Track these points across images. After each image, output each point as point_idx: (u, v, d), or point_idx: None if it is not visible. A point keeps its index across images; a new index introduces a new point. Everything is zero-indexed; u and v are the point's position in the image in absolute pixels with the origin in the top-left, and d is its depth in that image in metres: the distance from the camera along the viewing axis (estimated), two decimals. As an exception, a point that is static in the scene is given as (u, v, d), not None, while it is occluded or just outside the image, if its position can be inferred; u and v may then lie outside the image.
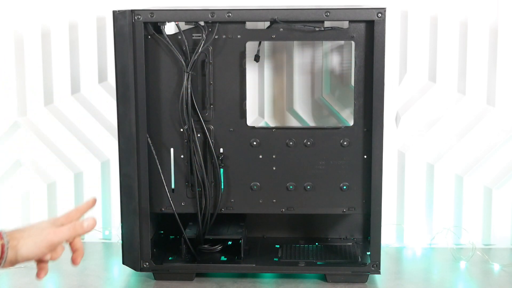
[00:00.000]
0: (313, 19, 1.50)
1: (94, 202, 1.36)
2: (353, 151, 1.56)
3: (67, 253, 1.81)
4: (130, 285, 1.60)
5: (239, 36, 1.53)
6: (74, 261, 1.30)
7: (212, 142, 1.56)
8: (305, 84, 1.84)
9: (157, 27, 1.53)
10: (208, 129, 1.56)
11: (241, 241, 1.62)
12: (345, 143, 1.55)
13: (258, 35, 1.56)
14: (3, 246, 1.19)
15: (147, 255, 1.58)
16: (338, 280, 1.58)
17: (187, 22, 1.53)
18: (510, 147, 1.83)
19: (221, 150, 1.57)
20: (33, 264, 1.71)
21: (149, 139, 1.55)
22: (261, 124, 1.85)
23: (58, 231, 1.26)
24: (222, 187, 1.58)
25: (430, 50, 1.82)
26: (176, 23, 1.53)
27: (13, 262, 1.22)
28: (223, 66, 1.54)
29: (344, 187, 1.57)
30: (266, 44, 1.82)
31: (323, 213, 1.64)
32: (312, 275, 1.61)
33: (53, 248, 1.27)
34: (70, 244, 1.31)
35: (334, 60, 1.82)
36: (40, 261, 1.27)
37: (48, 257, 1.28)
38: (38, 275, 1.27)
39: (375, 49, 1.49)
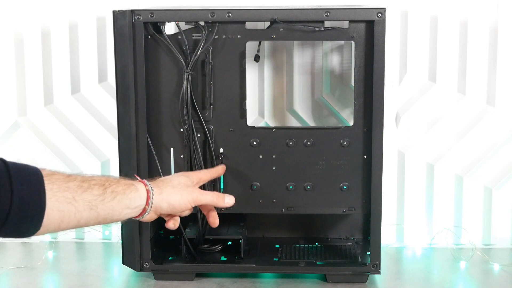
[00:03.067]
0: (313, 19, 1.50)
1: (223, 169, 1.53)
2: (353, 151, 1.56)
3: (65, 251, 1.81)
4: (130, 285, 1.60)
5: (239, 36, 1.53)
6: (212, 224, 1.44)
7: (212, 142, 1.56)
8: (305, 84, 1.84)
9: (157, 27, 1.53)
10: (208, 129, 1.56)
11: (241, 241, 1.62)
12: (345, 143, 1.56)
13: (258, 35, 1.56)
14: (148, 191, 1.27)
15: (147, 255, 1.58)
16: (338, 280, 1.58)
17: (187, 22, 1.53)
18: (510, 147, 1.83)
19: (221, 150, 1.57)
20: (33, 264, 1.73)
21: (149, 139, 1.55)
22: (261, 124, 1.85)
23: (204, 193, 1.38)
24: (222, 187, 1.58)
25: (430, 50, 1.82)
26: (176, 23, 1.53)
27: (157, 211, 1.31)
28: (223, 66, 1.54)
29: (344, 187, 1.57)
30: (266, 44, 1.82)
31: (323, 213, 1.64)
32: (312, 275, 1.61)
33: (195, 205, 1.37)
34: (202, 207, 1.44)
35: (334, 60, 1.82)
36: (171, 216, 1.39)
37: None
38: (168, 225, 1.39)
39: (375, 49, 1.49)
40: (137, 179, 1.30)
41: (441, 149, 1.84)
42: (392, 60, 1.81)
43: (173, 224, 1.39)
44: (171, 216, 1.39)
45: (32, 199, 1.07)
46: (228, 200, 1.43)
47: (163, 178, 1.39)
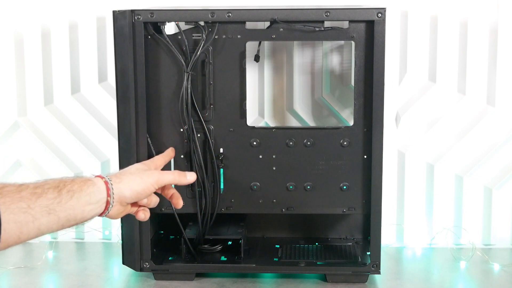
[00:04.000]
0: (313, 19, 1.50)
1: (173, 151, 1.53)
2: (353, 151, 1.56)
3: (65, 251, 1.81)
4: (130, 285, 1.60)
5: (239, 36, 1.53)
6: (176, 205, 1.39)
7: (212, 142, 1.56)
8: (305, 84, 1.84)
9: (157, 27, 1.53)
10: (208, 129, 1.56)
11: (241, 241, 1.62)
12: (345, 143, 1.56)
13: (258, 35, 1.56)
14: (106, 183, 1.21)
15: (147, 255, 1.58)
16: (338, 280, 1.58)
17: (187, 22, 1.53)
18: (510, 147, 1.83)
19: (221, 150, 1.57)
20: (33, 264, 1.73)
21: (149, 139, 1.55)
22: (261, 124, 1.85)
23: (164, 173, 1.35)
24: (222, 187, 1.58)
25: (430, 50, 1.82)
26: (176, 23, 1.53)
27: (122, 201, 1.25)
28: (223, 66, 1.54)
29: (344, 187, 1.57)
30: (266, 44, 1.82)
31: (323, 213, 1.64)
32: (312, 275, 1.61)
33: (158, 186, 1.32)
34: (164, 192, 1.40)
35: (334, 60, 1.82)
36: (136, 205, 1.32)
37: (145, 201, 1.32)
38: (138, 216, 1.33)
39: (375, 49, 1.49)
40: (95, 174, 1.25)
41: (441, 149, 1.84)
42: (392, 60, 1.81)
43: (143, 214, 1.33)
44: (138, 205, 1.32)
45: None
46: (189, 177, 1.38)
47: (120, 171, 1.33)
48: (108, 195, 1.20)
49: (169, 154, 1.52)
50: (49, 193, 1.11)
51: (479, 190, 1.85)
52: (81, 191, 1.15)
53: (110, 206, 1.21)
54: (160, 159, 1.47)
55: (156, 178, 1.31)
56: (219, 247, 1.66)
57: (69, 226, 1.15)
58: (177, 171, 1.38)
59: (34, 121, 1.89)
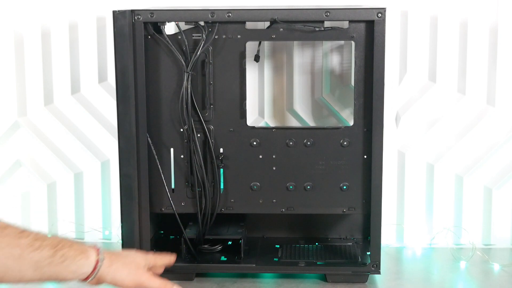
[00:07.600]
0: (313, 19, 1.50)
1: (173, 259, 1.46)
2: (353, 151, 1.56)
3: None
4: (130, 285, 1.59)
5: (239, 36, 1.53)
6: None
7: (212, 142, 1.56)
8: (305, 84, 1.84)
9: (157, 27, 1.53)
10: (208, 129, 1.56)
11: (241, 241, 1.62)
12: (345, 143, 1.56)
13: (258, 35, 1.56)
14: (97, 262, 1.26)
15: (147, 255, 1.58)
16: (338, 280, 1.58)
17: (187, 22, 1.53)
18: (510, 147, 1.83)
19: (221, 150, 1.57)
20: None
21: (149, 139, 1.55)
22: (261, 124, 1.85)
23: (152, 280, 1.35)
24: (222, 187, 1.58)
25: (430, 50, 1.82)
26: (176, 23, 1.53)
27: (100, 281, 1.29)
28: (223, 66, 1.54)
29: (344, 187, 1.57)
30: (266, 44, 1.82)
31: (323, 213, 1.64)
32: (312, 275, 1.61)
33: (138, 287, 1.34)
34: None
35: (334, 60, 1.82)
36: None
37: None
38: None
39: (375, 49, 1.49)
40: (95, 246, 1.28)
41: (441, 149, 1.84)
42: (392, 60, 1.81)
43: None
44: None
45: None
46: None
47: (120, 252, 1.37)
48: (92, 272, 1.24)
49: (170, 260, 1.47)
50: (45, 251, 1.16)
51: (479, 190, 1.85)
52: (74, 260, 1.20)
53: (89, 279, 1.25)
54: (161, 260, 1.44)
55: (142, 281, 1.32)
56: (219, 247, 1.66)
57: (45, 282, 1.21)
58: (164, 283, 1.34)
59: (34, 121, 1.89)
